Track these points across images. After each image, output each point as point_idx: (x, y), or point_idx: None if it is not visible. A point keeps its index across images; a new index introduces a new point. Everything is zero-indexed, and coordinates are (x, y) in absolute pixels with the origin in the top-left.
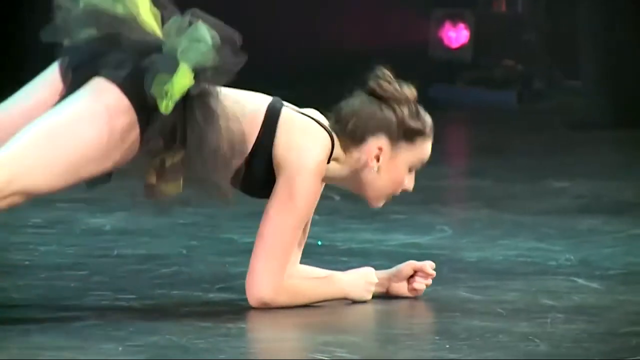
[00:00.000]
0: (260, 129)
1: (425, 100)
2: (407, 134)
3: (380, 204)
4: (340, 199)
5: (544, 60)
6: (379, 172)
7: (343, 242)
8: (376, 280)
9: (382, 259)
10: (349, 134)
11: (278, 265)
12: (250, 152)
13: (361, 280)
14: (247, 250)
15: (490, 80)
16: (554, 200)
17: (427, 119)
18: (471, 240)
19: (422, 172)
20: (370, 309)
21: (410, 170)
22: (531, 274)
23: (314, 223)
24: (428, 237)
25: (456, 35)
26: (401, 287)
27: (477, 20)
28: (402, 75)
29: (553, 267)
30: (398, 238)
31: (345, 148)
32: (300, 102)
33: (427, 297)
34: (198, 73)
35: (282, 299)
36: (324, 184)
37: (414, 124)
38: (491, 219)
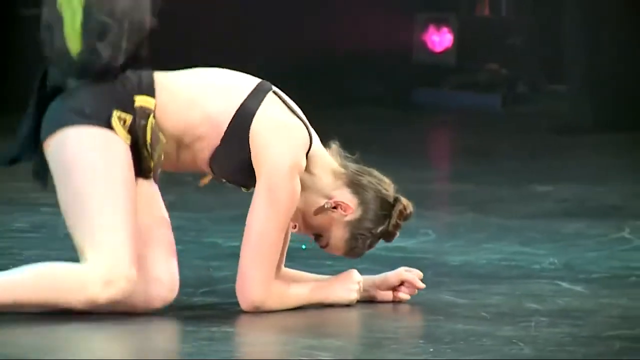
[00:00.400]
0: (247, 97)
1: (409, 104)
2: (369, 205)
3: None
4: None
5: (528, 64)
6: (326, 213)
7: None
8: (360, 279)
9: (367, 262)
10: (348, 177)
11: (267, 269)
12: (230, 120)
13: (347, 283)
14: (231, 254)
15: (475, 84)
16: (539, 204)
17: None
18: (455, 244)
19: (407, 176)
20: (354, 313)
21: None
22: (515, 278)
23: None
24: (412, 241)
25: (440, 39)
26: (386, 295)
27: (461, 24)
28: (386, 79)
29: (537, 270)
30: (382, 241)
31: (326, 171)
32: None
33: (411, 300)
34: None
35: (272, 302)
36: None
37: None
38: (476, 223)
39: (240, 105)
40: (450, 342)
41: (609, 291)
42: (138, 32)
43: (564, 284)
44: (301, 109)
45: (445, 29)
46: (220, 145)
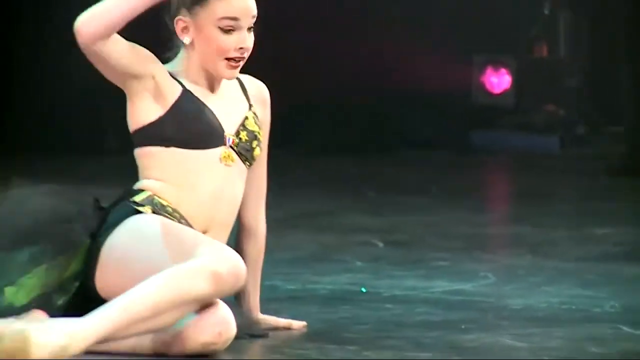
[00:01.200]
0: None
1: (467, 145)
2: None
3: (226, 72)
4: (384, 246)
5: (586, 106)
6: (194, 44)
7: (387, 289)
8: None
9: (426, 306)
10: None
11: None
12: None
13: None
14: (290, 297)
15: (533, 125)
16: (597, 246)
17: None
18: (515, 287)
19: (465, 219)
20: None
21: (225, 29)
22: (575, 321)
23: (358, 270)
24: (471, 284)
25: (498, 80)
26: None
27: (519, 65)
28: (443, 121)
29: (597, 314)
30: (441, 285)
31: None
32: (342, 144)
33: (471, 344)
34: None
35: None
36: None
37: None
38: (534, 266)
39: None
40: None
41: None
42: None
43: (625, 328)
44: (358, 150)
45: (503, 71)
46: None
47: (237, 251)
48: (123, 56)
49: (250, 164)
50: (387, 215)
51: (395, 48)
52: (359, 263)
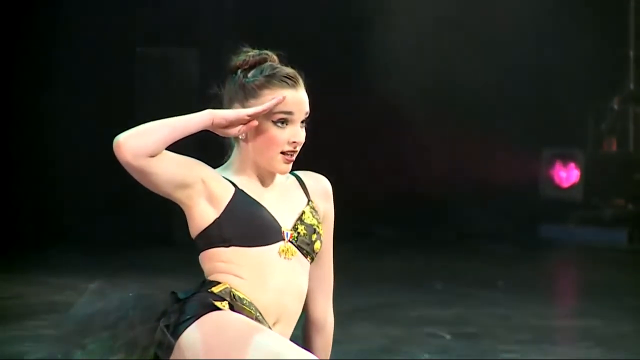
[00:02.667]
0: None
1: (535, 239)
2: (249, 92)
3: (281, 166)
4: (451, 338)
5: None
6: (247, 139)
7: None
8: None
9: None
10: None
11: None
12: None
13: None
14: None
15: (601, 219)
16: None
17: (280, 71)
18: None
19: (533, 312)
20: None
21: (276, 122)
22: None
23: None
24: None
25: (567, 174)
26: None
27: (588, 159)
28: (512, 213)
29: None
30: None
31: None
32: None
33: None
34: None
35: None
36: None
37: (247, 79)
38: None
39: None
40: None
41: None
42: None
43: None
44: (422, 243)
45: (572, 165)
46: None
47: (305, 343)
48: (167, 170)
49: (312, 258)
50: (455, 308)
51: (464, 139)
52: (427, 355)
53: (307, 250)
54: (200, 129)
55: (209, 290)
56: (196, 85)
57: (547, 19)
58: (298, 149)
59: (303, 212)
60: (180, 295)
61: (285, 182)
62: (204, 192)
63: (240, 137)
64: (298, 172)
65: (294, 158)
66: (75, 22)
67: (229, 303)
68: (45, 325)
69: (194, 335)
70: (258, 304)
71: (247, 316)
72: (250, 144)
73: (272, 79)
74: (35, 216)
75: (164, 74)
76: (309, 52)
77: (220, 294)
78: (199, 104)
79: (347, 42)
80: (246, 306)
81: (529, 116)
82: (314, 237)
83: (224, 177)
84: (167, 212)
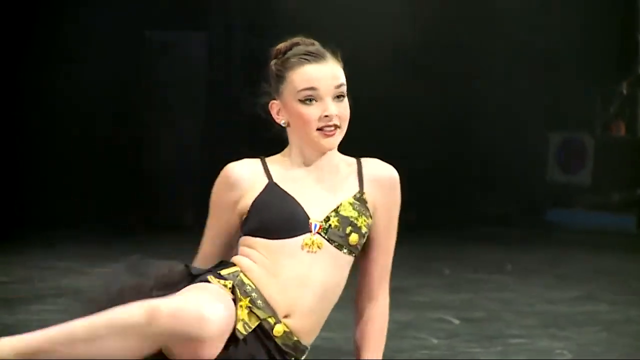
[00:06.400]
0: None
1: (543, 224)
2: (277, 79)
3: (322, 142)
4: (460, 323)
5: None
6: (289, 124)
7: None
8: None
9: None
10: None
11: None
12: None
13: None
14: None
15: (609, 204)
16: None
17: (299, 49)
18: None
19: (540, 296)
20: None
21: (303, 100)
22: None
23: (433, 347)
24: None
25: (575, 159)
26: None
27: (596, 143)
28: (520, 198)
29: None
30: None
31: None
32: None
33: None
34: None
35: None
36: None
37: (274, 66)
38: (609, 344)
39: None
40: None
41: None
42: None
43: None
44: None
45: (580, 149)
46: None
47: (357, 313)
48: (223, 232)
49: (351, 251)
50: (463, 292)
51: (472, 123)
52: (434, 340)
53: (340, 242)
54: None
55: (219, 271)
56: (204, 69)
57: (556, 2)
58: (336, 122)
59: (341, 204)
60: (193, 271)
61: (337, 167)
62: (245, 200)
63: (281, 123)
64: (364, 159)
65: (334, 132)
66: (84, 4)
67: (231, 286)
68: (51, 310)
69: None
70: (268, 294)
71: (243, 304)
72: (292, 128)
73: (290, 59)
74: (42, 200)
75: (172, 58)
76: None
77: (226, 275)
78: (206, 88)
79: None
80: (246, 292)
81: (537, 100)
82: (349, 229)
83: (267, 168)
84: (176, 196)
